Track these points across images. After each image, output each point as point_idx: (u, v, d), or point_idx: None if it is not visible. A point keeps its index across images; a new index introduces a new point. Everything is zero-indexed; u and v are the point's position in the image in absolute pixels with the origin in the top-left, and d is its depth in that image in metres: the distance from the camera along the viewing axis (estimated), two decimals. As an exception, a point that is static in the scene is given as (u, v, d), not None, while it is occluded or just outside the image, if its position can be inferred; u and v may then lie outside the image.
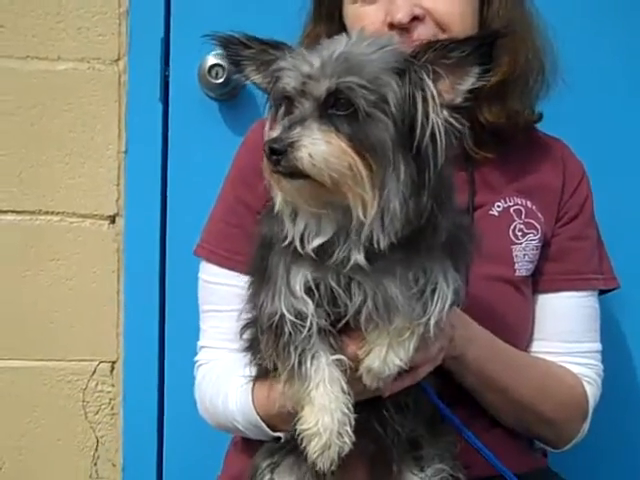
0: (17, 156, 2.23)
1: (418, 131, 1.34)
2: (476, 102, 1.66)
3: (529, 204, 1.80)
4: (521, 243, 1.77)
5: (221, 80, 2.12)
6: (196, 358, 1.83)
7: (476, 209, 1.77)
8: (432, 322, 1.42)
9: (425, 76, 1.35)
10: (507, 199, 1.79)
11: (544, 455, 1.87)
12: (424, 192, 1.36)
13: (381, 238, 1.36)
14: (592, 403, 1.80)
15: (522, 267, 1.77)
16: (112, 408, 2.28)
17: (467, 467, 1.61)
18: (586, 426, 1.80)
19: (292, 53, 1.41)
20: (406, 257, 1.40)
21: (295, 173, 1.33)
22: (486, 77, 1.36)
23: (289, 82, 1.37)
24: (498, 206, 1.79)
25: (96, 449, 2.29)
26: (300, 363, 1.42)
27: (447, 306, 1.42)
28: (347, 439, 1.41)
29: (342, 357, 1.43)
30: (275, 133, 1.35)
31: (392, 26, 1.65)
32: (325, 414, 1.40)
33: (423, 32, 1.66)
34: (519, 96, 1.77)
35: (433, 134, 1.35)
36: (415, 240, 1.39)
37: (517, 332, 1.77)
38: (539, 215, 1.80)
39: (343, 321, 1.43)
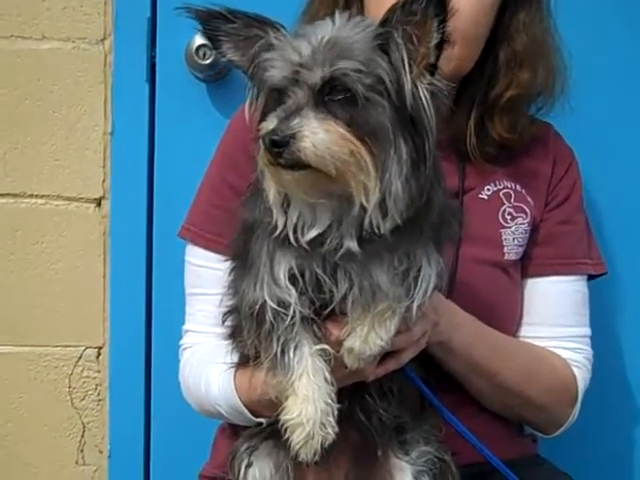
0: (1, 138, 2.20)
1: (408, 101, 1.32)
2: (489, 114, 1.72)
3: (518, 188, 1.79)
4: (510, 227, 1.77)
5: (209, 61, 2.08)
6: (181, 342, 1.82)
7: (466, 192, 1.76)
8: (415, 305, 1.41)
9: (397, 36, 1.33)
10: (497, 182, 1.79)
11: (534, 441, 1.86)
12: (424, 168, 1.34)
13: (381, 223, 1.35)
14: (582, 387, 1.80)
15: (511, 251, 1.77)
16: (98, 394, 2.27)
17: (456, 453, 1.60)
18: (576, 411, 1.80)
19: (277, 33, 1.37)
20: (392, 240, 1.38)
21: (297, 164, 1.31)
22: (444, 28, 1.33)
23: (279, 72, 1.34)
24: (488, 189, 1.78)
25: (82, 435, 2.27)
26: (283, 353, 1.41)
27: (430, 290, 1.41)
28: (330, 429, 1.39)
29: (325, 347, 1.42)
30: (271, 124, 1.31)
31: None
32: (308, 404, 1.39)
33: None
34: (527, 112, 1.78)
35: (422, 101, 1.33)
36: (408, 219, 1.37)
37: (506, 315, 1.77)
38: (528, 199, 1.79)
39: (329, 308, 1.41)
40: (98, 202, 2.22)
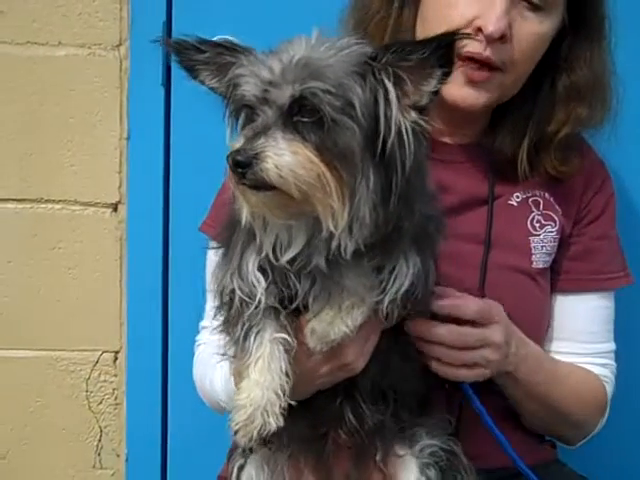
0: (18, 144, 2.21)
1: (382, 135, 1.31)
2: (545, 148, 1.71)
3: (547, 196, 1.78)
4: (539, 234, 1.76)
5: (224, 65, 2.09)
6: (196, 337, 1.84)
7: (495, 199, 1.75)
8: (386, 300, 1.39)
9: (385, 78, 1.32)
10: (526, 190, 1.77)
11: (552, 447, 1.86)
12: (393, 198, 1.33)
13: (349, 245, 1.34)
14: (609, 401, 1.81)
15: (540, 259, 1.76)
16: (115, 398, 2.27)
17: (477, 457, 1.60)
18: (602, 422, 1.82)
19: (249, 57, 1.36)
20: (366, 250, 1.37)
21: (261, 185, 1.29)
22: (446, 79, 1.32)
23: (249, 89, 1.33)
24: (517, 196, 1.77)
25: (100, 439, 2.28)
26: (245, 337, 1.41)
27: (405, 287, 1.39)
28: (272, 419, 1.37)
29: (285, 336, 1.41)
30: (238, 144, 1.30)
31: (479, 30, 1.62)
32: (257, 389, 1.38)
33: (498, 55, 1.63)
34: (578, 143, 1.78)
35: (400, 137, 1.31)
36: (378, 243, 1.37)
37: (534, 322, 1.75)
38: (557, 207, 1.78)
39: (294, 304, 1.41)
40: (114, 207, 2.22)
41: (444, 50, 1.30)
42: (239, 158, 1.28)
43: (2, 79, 2.19)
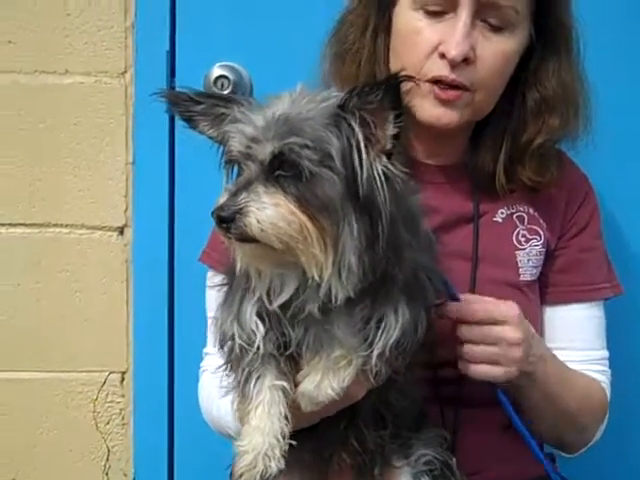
0: (26, 170, 2.25)
1: (360, 180, 1.33)
2: (520, 159, 1.73)
3: (532, 211, 1.81)
4: (525, 248, 1.79)
5: (227, 91, 2.13)
6: (201, 364, 1.86)
7: (480, 216, 1.78)
8: (375, 354, 1.40)
9: (353, 123, 1.34)
10: (510, 206, 1.81)
11: (552, 460, 1.87)
12: (378, 244, 1.35)
13: (339, 293, 1.36)
14: (608, 408, 1.83)
15: (526, 272, 1.79)
16: (123, 418, 2.30)
17: (475, 473, 1.62)
18: (602, 429, 1.83)
19: (240, 110, 1.38)
20: (357, 296, 1.39)
21: (245, 238, 1.33)
22: (400, 123, 1.34)
23: (235, 145, 1.36)
24: (501, 213, 1.80)
25: (107, 459, 2.30)
26: (246, 381, 1.43)
27: (393, 340, 1.40)
28: (274, 463, 1.39)
29: (284, 384, 1.42)
30: (222, 199, 1.34)
31: (442, 55, 1.65)
32: (258, 435, 1.40)
33: (464, 76, 1.65)
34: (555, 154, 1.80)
35: (375, 182, 1.34)
36: (370, 289, 1.39)
37: None
38: (542, 222, 1.81)
39: (288, 351, 1.43)
40: (120, 230, 2.26)
41: (392, 91, 1.32)
42: (222, 214, 1.32)
43: (11, 107, 2.24)
